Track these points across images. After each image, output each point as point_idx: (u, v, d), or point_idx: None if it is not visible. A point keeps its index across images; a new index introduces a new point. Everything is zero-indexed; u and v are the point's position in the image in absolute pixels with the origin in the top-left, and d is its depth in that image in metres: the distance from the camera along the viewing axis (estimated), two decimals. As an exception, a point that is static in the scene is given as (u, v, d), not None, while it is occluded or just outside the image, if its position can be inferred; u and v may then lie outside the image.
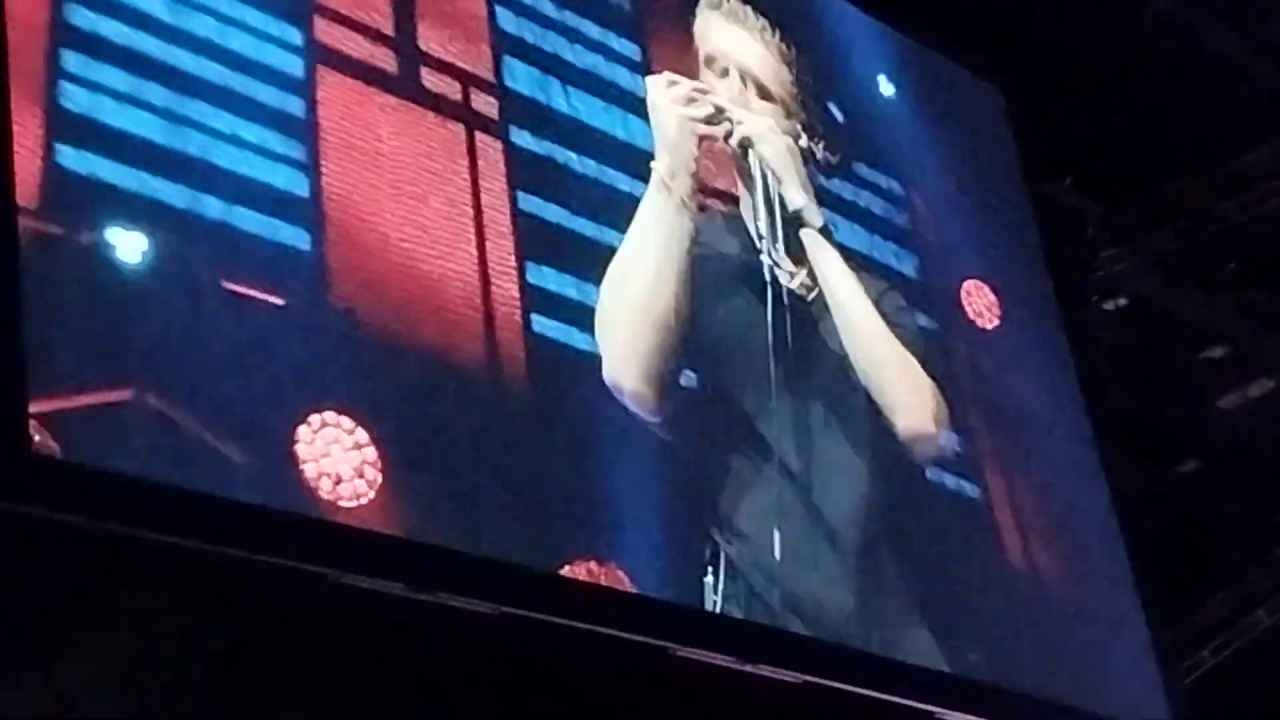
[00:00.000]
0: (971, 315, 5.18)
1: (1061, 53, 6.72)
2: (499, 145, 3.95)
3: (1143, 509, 6.17)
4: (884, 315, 4.37)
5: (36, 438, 2.91)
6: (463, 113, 3.93)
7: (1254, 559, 7.64)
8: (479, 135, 3.93)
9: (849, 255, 4.46)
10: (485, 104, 3.98)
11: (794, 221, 4.26)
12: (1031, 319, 5.48)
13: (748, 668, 4.14)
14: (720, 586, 3.96)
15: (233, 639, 3.55)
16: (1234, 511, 7.88)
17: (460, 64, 3.99)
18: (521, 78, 4.09)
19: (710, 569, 3.97)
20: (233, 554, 3.31)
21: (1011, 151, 5.99)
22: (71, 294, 3.04)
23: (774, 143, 4.28)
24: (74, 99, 3.17)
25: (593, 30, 4.31)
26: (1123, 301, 7.27)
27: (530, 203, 3.95)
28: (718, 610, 3.97)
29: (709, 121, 4.19)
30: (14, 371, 2.96)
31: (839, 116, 4.88)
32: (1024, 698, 4.75)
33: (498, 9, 4.11)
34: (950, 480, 4.74)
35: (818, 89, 4.89)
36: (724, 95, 4.29)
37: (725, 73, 4.36)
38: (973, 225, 5.45)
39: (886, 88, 5.27)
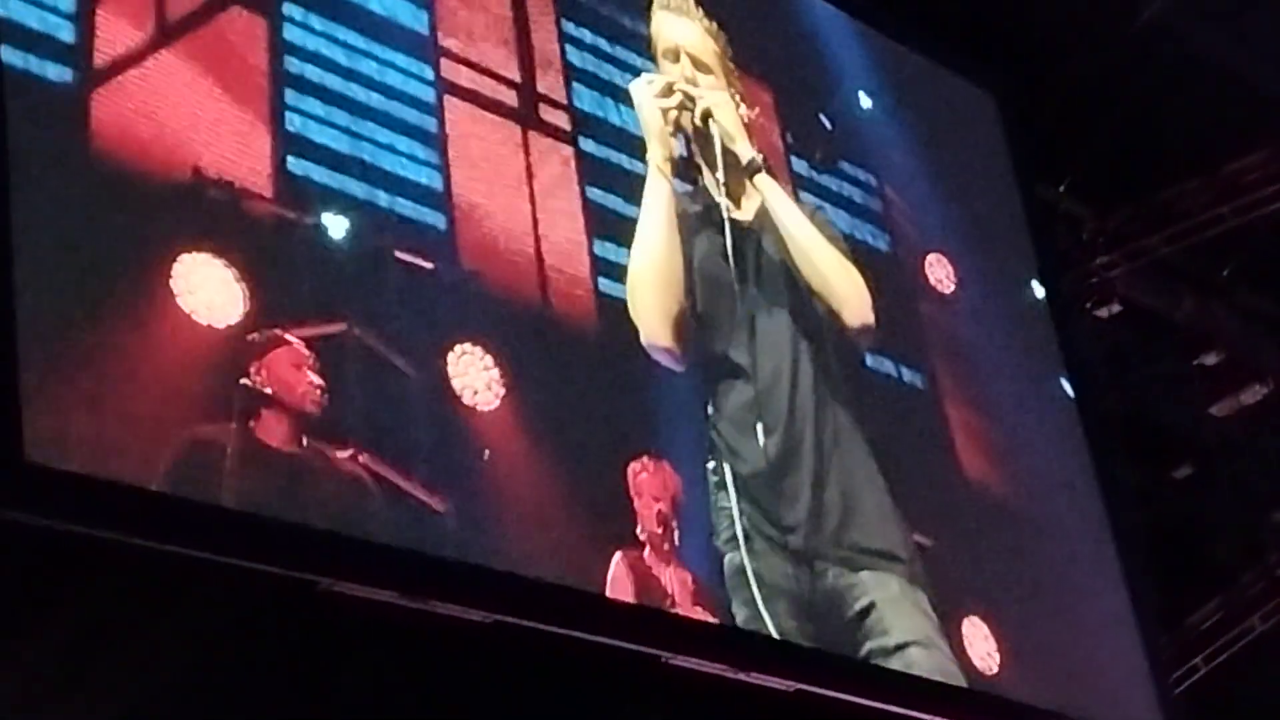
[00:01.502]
0: (933, 282, 5.95)
1: (1055, 58, 6.77)
2: (571, 151, 4.86)
3: (1136, 514, 6.41)
4: (823, 234, 5.04)
5: (305, 353, 3.95)
6: (544, 126, 4.84)
7: (1247, 565, 7.68)
8: (557, 144, 4.86)
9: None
10: (561, 119, 4.90)
11: (746, 170, 4.92)
12: (988, 286, 6.20)
13: (740, 676, 4.37)
14: (733, 499, 4.61)
15: (225, 646, 3.72)
16: (1227, 517, 7.84)
17: (541, 89, 4.89)
18: (586, 99, 4.98)
19: (717, 484, 4.65)
20: (225, 562, 3.57)
21: (1003, 154, 6.54)
22: (302, 260, 4.05)
23: (726, 111, 4.92)
24: (292, 123, 4.15)
25: (636, 60, 5.14)
26: (1117, 308, 7.33)
27: (595, 194, 4.83)
28: (738, 525, 4.57)
29: (681, 108, 4.86)
30: (8, 383, 3.37)
31: (827, 125, 5.78)
32: (1022, 706, 5.14)
33: (567, 46, 5.02)
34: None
35: (808, 101, 5.79)
36: (679, 76, 4.93)
37: (676, 58, 5.00)
38: (937, 209, 6.15)
39: (865, 100, 6.02)
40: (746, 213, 5.00)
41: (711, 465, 4.71)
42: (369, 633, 3.84)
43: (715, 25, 5.20)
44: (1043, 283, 6.44)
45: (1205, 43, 7.04)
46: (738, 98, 5.10)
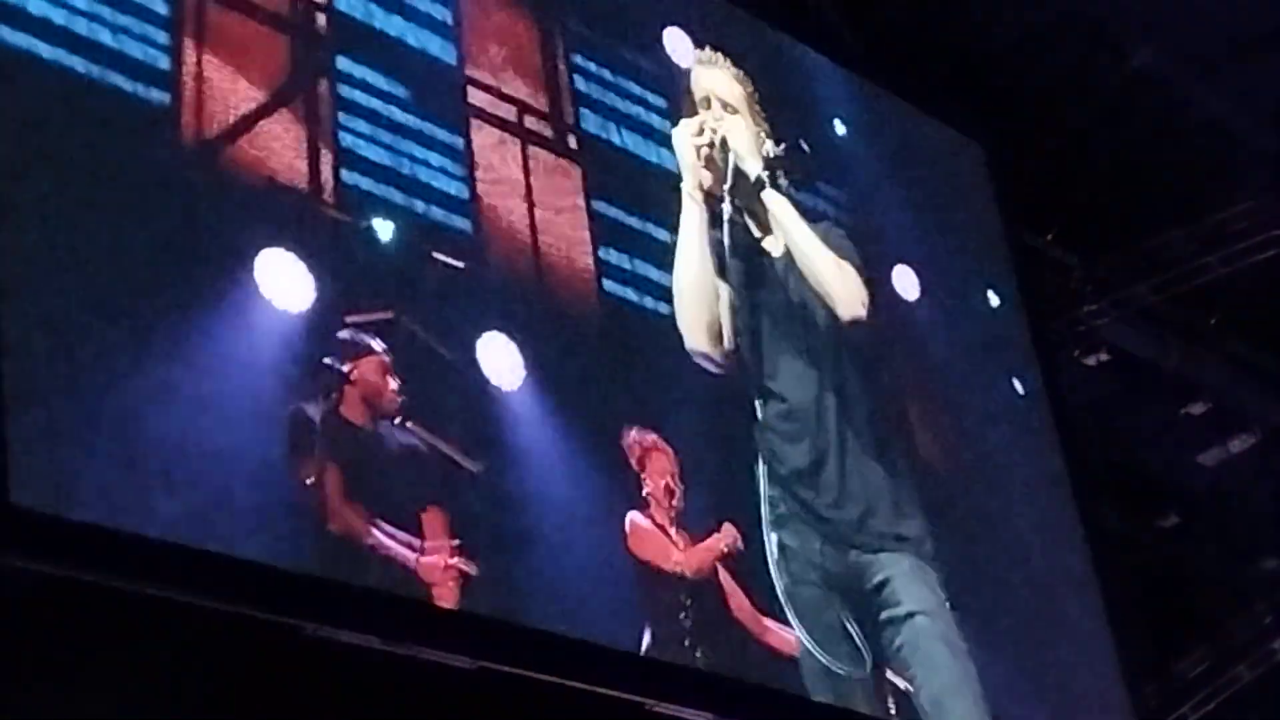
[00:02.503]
0: (899, 290, 6.47)
1: (1044, 108, 6.95)
2: (579, 169, 5.42)
3: (1122, 562, 6.44)
4: (824, 240, 5.70)
5: (387, 360, 4.48)
6: (555, 145, 5.40)
7: (1234, 613, 7.83)
8: (565, 161, 5.40)
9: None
10: (570, 140, 5.45)
11: (757, 185, 5.56)
12: (948, 294, 6.73)
13: (725, 723, 4.54)
14: (776, 490, 5.32)
15: (210, 691, 3.76)
16: (1215, 566, 8.03)
17: (552, 113, 5.45)
18: (591, 122, 5.53)
19: (760, 477, 5.31)
20: (211, 606, 3.64)
21: (989, 199, 6.92)
22: (357, 256, 4.60)
23: (741, 135, 5.59)
24: (344, 140, 4.69)
25: (634, 89, 5.73)
26: (1104, 356, 7.42)
27: (599, 206, 5.38)
28: (780, 509, 5.26)
29: (710, 145, 5.56)
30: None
31: (806, 149, 6.18)
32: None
33: (575, 76, 5.60)
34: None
35: (789, 127, 6.23)
36: (710, 117, 5.60)
37: (709, 104, 5.67)
38: (904, 224, 6.71)
39: (840, 128, 6.58)
40: (776, 248, 5.70)
41: (760, 464, 5.38)
42: (354, 678, 3.93)
43: (742, 73, 5.90)
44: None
45: (1192, 94, 7.21)
46: (763, 134, 5.79)
